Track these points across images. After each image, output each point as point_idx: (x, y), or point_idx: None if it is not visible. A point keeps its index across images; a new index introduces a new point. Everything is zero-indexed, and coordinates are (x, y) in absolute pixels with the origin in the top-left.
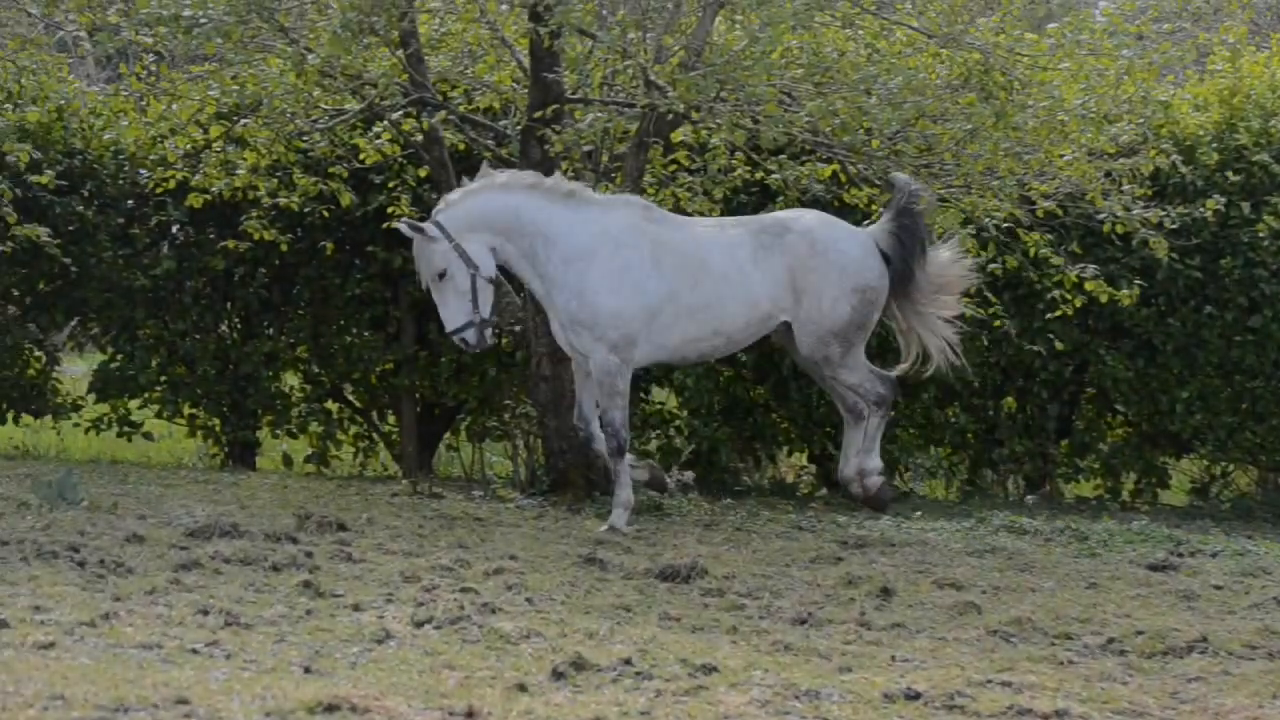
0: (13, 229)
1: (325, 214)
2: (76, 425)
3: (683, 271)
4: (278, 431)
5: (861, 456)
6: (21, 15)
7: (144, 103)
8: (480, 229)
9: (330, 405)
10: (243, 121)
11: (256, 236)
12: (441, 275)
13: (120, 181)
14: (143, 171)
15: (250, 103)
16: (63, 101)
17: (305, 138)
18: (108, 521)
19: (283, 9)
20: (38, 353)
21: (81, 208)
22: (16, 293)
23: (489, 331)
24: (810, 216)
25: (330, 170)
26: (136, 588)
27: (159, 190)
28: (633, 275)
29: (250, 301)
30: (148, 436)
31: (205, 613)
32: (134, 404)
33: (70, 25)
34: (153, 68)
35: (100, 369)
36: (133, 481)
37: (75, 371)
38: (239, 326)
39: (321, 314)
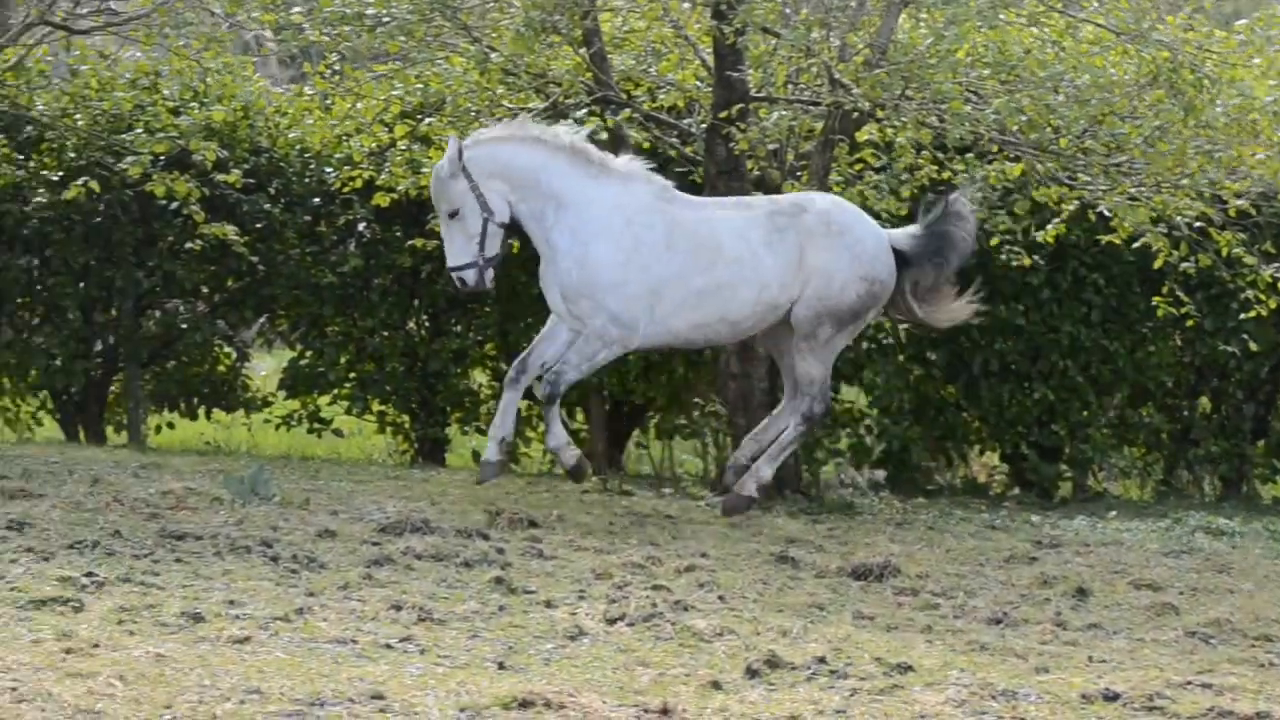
0: (201, 227)
1: None
2: (267, 421)
3: (695, 253)
4: (467, 428)
5: (763, 460)
6: (205, 15)
7: (329, 102)
8: (499, 178)
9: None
10: (427, 120)
11: None
12: (454, 215)
13: (306, 180)
14: (328, 170)
15: (434, 101)
16: (248, 100)
17: None
18: (300, 517)
19: (465, 7)
20: (227, 349)
21: (268, 206)
22: (206, 290)
23: (490, 274)
24: (828, 200)
25: None
26: (329, 583)
27: (345, 189)
28: (641, 253)
29: (437, 298)
30: (337, 433)
31: (398, 608)
32: (323, 400)
33: (254, 25)
34: (337, 67)
35: (290, 365)
36: (324, 477)
37: (264, 368)
38: (427, 324)
39: (509, 311)
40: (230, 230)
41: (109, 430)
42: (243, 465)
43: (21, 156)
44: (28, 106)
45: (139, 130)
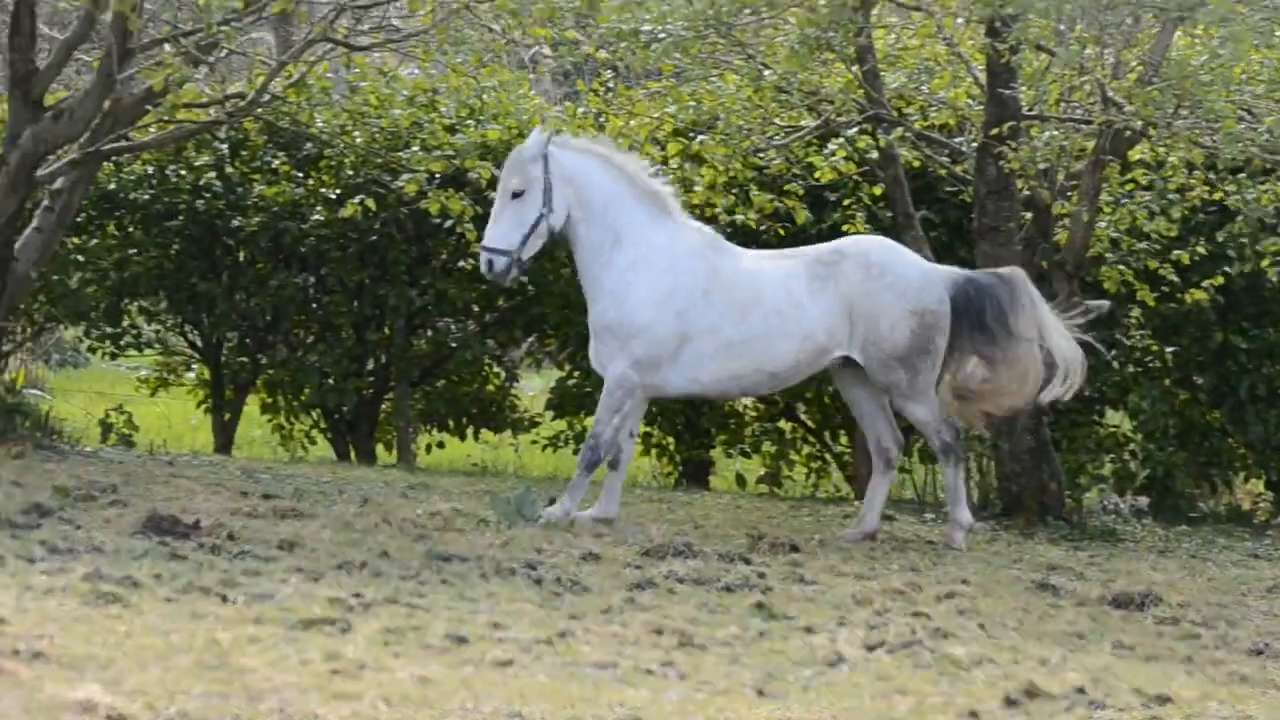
0: (473, 246)
1: (781, 231)
2: (534, 442)
3: (731, 305)
4: (731, 451)
5: (952, 508)
6: (484, 31)
7: (602, 119)
8: (572, 186)
9: (783, 425)
10: (699, 138)
11: None
12: (517, 195)
13: None
14: None
15: (706, 119)
16: (523, 118)
17: (761, 154)
18: (564, 539)
19: (740, 25)
20: (496, 369)
21: None
22: (476, 309)
23: (515, 273)
24: (867, 242)
25: (786, 187)
26: (592, 606)
27: None
28: (677, 299)
29: None
30: None
31: (659, 632)
32: (590, 421)
33: (530, 42)
34: (610, 84)
35: (558, 385)
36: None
37: (533, 388)
38: None
39: None
40: None
41: (379, 449)
42: (509, 486)
43: (300, 174)
44: (308, 123)
45: (415, 148)
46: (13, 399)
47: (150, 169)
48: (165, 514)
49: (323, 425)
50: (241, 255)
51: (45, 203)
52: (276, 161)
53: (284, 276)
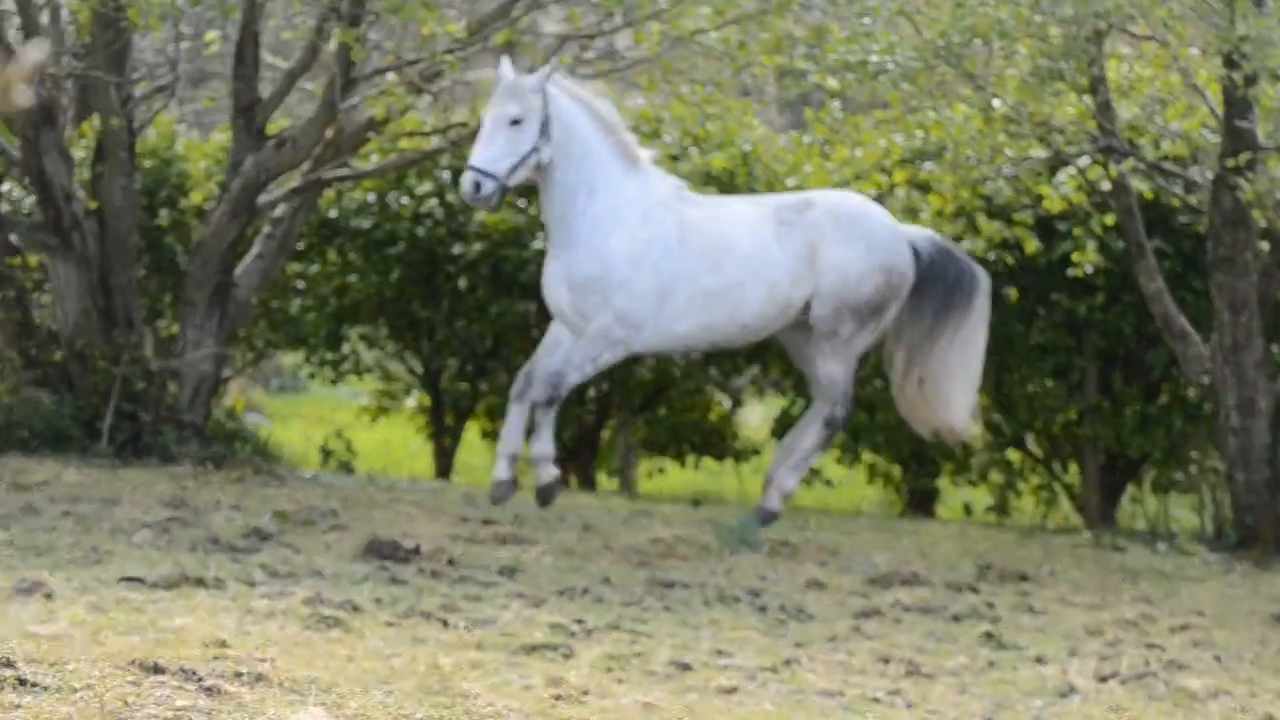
0: None
1: (1009, 261)
2: (757, 471)
3: (705, 253)
4: (958, 480)
5: (785, 471)
6: (707, 60)
7: (828, 148)
8: (560, 129)
9: (1012, 455)
10: (927, 167)
11: None
12: (514, 123)
13: None
14: None
15: (934, 149)
16: (748, 146)
17: (989, 184)
18: (787, 567)
19: (970, 55)
20: (720, 397)
21: None
22: None
23: (498, 201)
24: (838, 193)
25: (1014, 217)
26: (817, 634)
27: None
28: (654, 250)
29: None
30: (827, 483)
31: (886, 661)
32: None
33: (758, 70)
34: (837, 113)
35: (781, 414)
36: (812, 527)
37: (756, 416)
38: None
39: (1004, 362)
40: None
41: (600, 476)
42: (731, 514)
43: (521, 202)
44: None
45: None
46: (233, 424)
47: (371, 196)
48: (385, 539)
49: None
50: (462, 282)
51: (266, 230)
52: None
53: (504, 303)
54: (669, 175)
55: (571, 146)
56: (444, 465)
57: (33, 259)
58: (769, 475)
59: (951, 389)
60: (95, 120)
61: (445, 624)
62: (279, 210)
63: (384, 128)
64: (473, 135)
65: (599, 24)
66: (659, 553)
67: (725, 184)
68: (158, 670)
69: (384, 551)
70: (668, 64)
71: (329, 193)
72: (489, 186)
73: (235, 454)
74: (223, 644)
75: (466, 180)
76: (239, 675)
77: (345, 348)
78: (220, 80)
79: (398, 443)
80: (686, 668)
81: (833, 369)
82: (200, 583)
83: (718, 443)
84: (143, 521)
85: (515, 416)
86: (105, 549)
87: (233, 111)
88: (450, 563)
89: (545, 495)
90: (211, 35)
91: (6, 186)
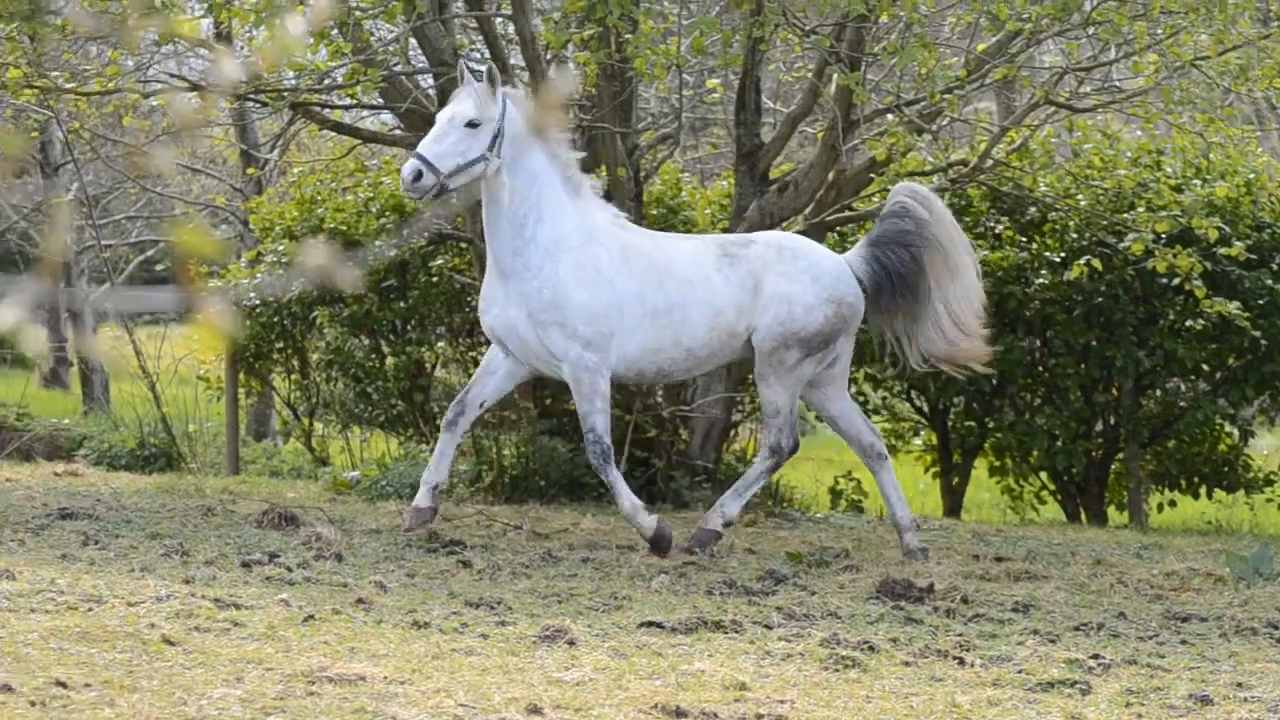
0: (1202, 303)
1: None
2: (1269, 500)
3: (649, 273)
4: None
5: (728, 495)
6: (1209, 89)
7: None
8: (511, 150)
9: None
10: None
11: None
12: (471, 125)
13: None
14: None
15: None
16: (1251, 175)
17: None
18: None
19: None
20: (1229, 428)
21: (1270, 281)
22: (1207, 368)
23: (430, 198)
24: (779, 233)
25: None
26: None
27: None
28: (604, 270)
29: None
30: None
31: None
32: None
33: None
34: None
35: None
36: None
37: (1266, 446)
38: None
39: None
40: (1232, 307)
41: (1110, 510)
42: (1245, 545)
43: (1024, 238)
44: (1031, 188)
45: (1140, 208)
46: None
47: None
48: (899, 578)
49: (1052, 487)
50: None
51: None
52: (1000, 226)
53: (1010, 340)
54: (608, 205)
55: (520, 169)
56: (953, 503)
57: None
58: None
59: (965, 317)
60: (602, 170)
61: (961, 662)
62: None
63: (885, 168)
64: (972, 173)
65: (1095, 56)
66: (1173, 586)
67: (1229, 214)
68: (680, 714)
69: (898, 591)
70: (1167, 91)
71: (832, 235)
72: (429, 180)
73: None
74: (743, 687)
75: (407, 167)
76: (760, 717)
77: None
78: (722, 127)
79: (906, 481)
80: (1207, 701)
81: (775, 396)
82: (718, 626)
83: (1228, 474)
84: (660, 567)
85: (445, 445)
86: (624, 594)
87: (735, 158)
88: (964, 600)
89: (659, 545)
90: (713, 83)
91: None
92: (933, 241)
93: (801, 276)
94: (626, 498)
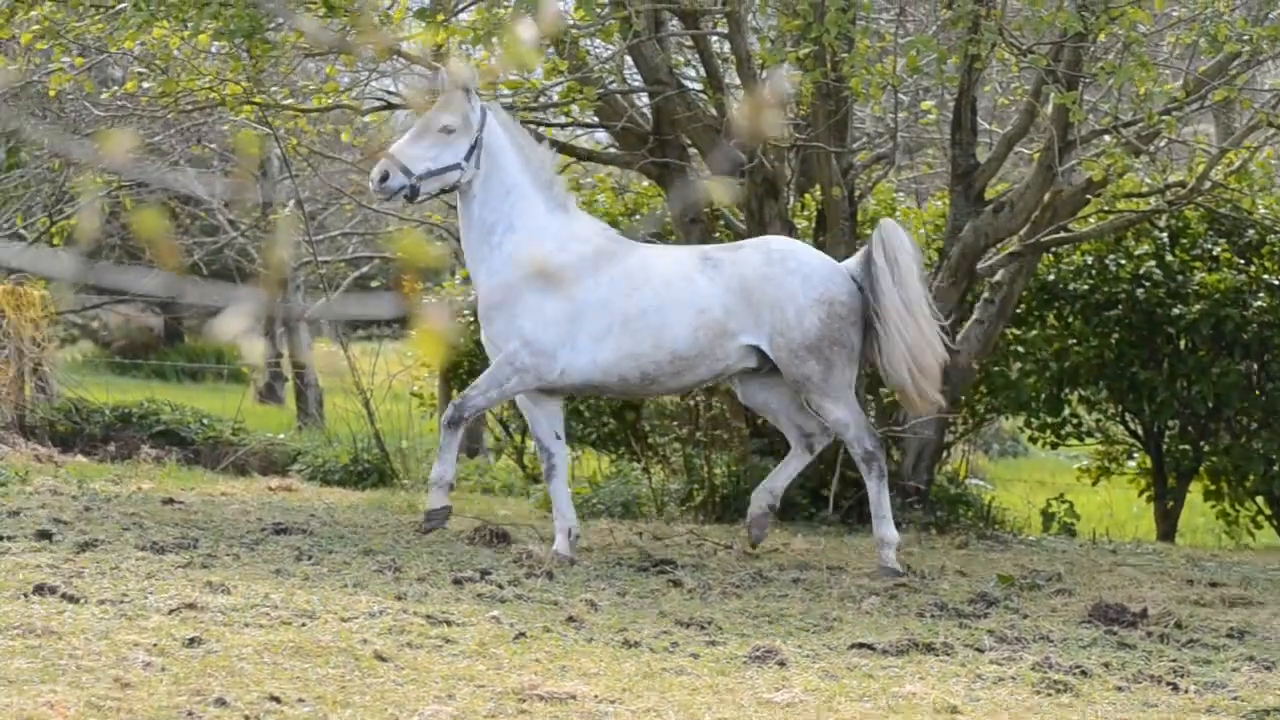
0: None
1: None
2: None
3: (621, 280)
4: None
5: (880, 525)
6: None
7: None
8: (487, 162)
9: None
10: None
11: None
12: (446, 130)
13: None
14: None
15: None
16: None
17: None
18: None
19: None
20: None
21: None
22: None
23: (399, 201)
24: (769, 237)
25: None
26: None
27: None
28: (564, 278)
29: None
30: None
31: None
32: None
33: None
34: None
35: None
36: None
37: None
38: None
39: None
40: None
41: None
42: None
43: (1242, 260)
44: (1249, 210)
45: None
46: (956, 489)
47: (1089, 259)
48: (1112, 602)
49: (1268, 511)
50: (1182, 343)
51: (985, 295)
52: (1217, 249)
53: (1226, 363)
54: (597, 221)
55: (494, 181)
56: (1167, 527)
57: None
58: (749, 517)
59: (924, 358)
60: (817, 190)
61: (1175, 688)
62: (998, 275)
63: (1102, 189)
64: (1190, 195)
65: None
66: None
67: None
68: None
69: (1110, 615)
70: None
71: (1047, 256)
72: (398, 181)
73: (959, 519)
74: (954, 710)
75: (376, 168)
76: None
77: (1065, 411)
78: (937, 147)
79: (1120, 505)
80: None
81: (831, 411)
82: (929, 648)
83: None
84: (870, 588)
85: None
86: (835, 615)
87: (950, 178)
88: (1178, 625)
89: (430, 520)
90: (928, 104)
91: None
92: (887, 292)
93: (789, 279)
94: (443, 466)
